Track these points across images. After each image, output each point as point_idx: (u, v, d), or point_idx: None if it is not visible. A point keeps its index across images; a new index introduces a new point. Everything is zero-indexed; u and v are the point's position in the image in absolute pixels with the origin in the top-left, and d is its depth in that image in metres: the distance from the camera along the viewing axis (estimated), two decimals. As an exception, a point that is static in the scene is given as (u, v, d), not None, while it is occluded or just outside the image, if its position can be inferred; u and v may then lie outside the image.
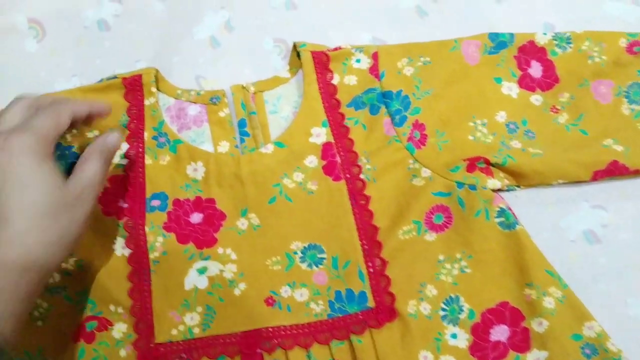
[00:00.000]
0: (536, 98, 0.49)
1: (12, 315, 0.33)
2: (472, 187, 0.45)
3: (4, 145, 0.34)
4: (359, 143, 0.48)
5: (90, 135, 0.49)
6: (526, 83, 0.50)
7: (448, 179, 0.45)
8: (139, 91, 0.51)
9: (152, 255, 0.45)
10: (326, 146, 0.48)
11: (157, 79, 0.52)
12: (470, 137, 0.47)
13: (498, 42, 0.50)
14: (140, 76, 0.51)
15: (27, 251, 0.33)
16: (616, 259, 0.44)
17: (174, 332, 0.43)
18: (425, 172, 0.46)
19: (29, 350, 0.44)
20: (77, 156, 0.48)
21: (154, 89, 0.51)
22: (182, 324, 0.43)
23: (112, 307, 0.44)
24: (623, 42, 0.49)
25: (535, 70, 0.50)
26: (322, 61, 0.51)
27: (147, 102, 0.50)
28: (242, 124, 0.50)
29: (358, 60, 0.51)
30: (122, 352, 0.44)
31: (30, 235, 0.33)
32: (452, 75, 0.49)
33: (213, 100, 0.51)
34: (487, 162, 0.46)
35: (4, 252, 0.32)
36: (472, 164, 0.46)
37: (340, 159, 0.47)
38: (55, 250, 0.35)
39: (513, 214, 0.44)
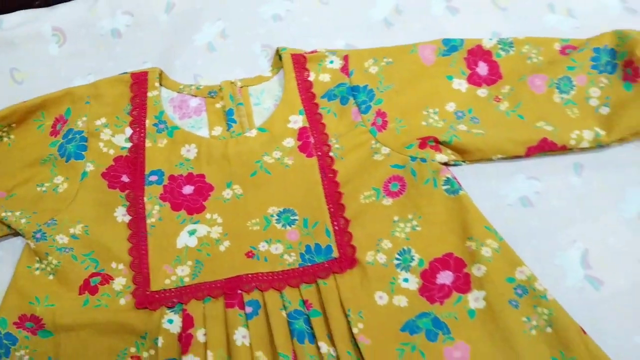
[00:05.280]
0: (482, 91, 0.57)
1: None
2: (423, 160, 0.52)
3: None
4: (330, 127, 0.56)
5: (98, 122, 0.57)
6: (474, 79, 0.58)
7: (403, 154, 0.53)
8: (144, 85, 0.60)
9: (149, 221, 0.53)
10: (302, 130, 0.56)
11: (161, 76, 0.61)
12: (424, 123, 0.55)
13: (450, 46, 0.59)
14: (146, 72, 0.60)
15: None
16: (546, 220, 0.52)
17: (167, 281, 0.50)
18: (385, 150, 0.54)
19: (39, 296, 0.50)
20: (86, 140, 0.56)
21: (157, 84, 0.60)
22: (175, 274, 0.50)
23: (113, 265, 0.52)
24: (557, 46, 0.58)
25: (482, 69, 0.58)
26: (300, 62, 0.60)
27: (150, 94, 0.59)
28: (230, 113, 0.58)
29: (331, 62, 0.59)
30: (122, 301, 0.50)
31: None
32: (410, 73, 0.58)
33: (211, 94, 0.60)
34: (437, 140, 0.54)
35: None
36: (424, 142, 0.53)
37: (313, 140, 0.55)
38: None
39: (458, 182, 0.51)
